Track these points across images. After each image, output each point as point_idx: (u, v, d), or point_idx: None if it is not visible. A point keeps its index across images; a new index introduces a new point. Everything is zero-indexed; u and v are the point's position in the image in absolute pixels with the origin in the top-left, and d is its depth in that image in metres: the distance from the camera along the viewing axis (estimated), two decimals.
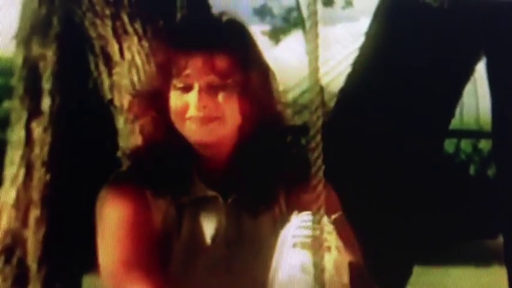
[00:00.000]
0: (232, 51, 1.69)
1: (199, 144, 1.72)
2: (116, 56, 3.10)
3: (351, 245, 1.64)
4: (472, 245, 10.23)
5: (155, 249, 1.69)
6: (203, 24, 1.80)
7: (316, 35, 1.14)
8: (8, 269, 3.50)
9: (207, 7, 3.09)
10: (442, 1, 3.21)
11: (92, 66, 3.20)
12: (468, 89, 3.78)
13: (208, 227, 1.72)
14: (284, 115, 1.80)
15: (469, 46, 3.42)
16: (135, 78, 3.04)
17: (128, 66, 3.06)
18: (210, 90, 1.67)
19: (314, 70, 1.15)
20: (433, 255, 7.05)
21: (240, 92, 1.69)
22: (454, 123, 4.19)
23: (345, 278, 1.50)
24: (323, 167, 1.18)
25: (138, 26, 3.09)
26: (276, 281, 1.50)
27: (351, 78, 3.58)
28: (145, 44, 3.05)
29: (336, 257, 1.48)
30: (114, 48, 3.11)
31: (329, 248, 1.47)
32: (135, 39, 3.07)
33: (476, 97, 12.00)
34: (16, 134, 3.57)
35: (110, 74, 3.12)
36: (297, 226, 1.52)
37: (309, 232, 1.45)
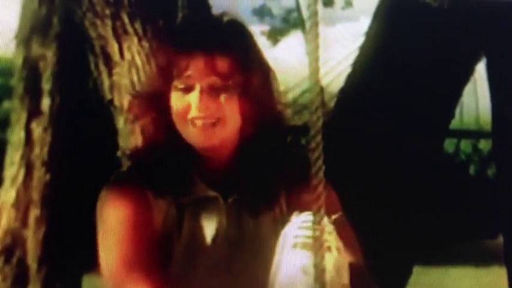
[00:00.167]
0: (233, 52, 1.69)
1: (201, 148, 1.72)
2: (116, 56, 3.10)
3: (351, 246, 1.64)
4: (472, 245, 10.24)
5: (156, 250, 1.69)
6: (204, 25, 1.79)
7: (317, 35, 1.14)
8: (8, 269, 3.50)
9: (207, 7, 3.09)
10: (442, 1, 3.21)
11: (92, 66, 3.20)
12: (468, 89, 3.79)
13: (209, 227, 1.72)
14: (284, 115, 1.80)
15: (469, 46, 3.42)
16: (135, 79, 3.03)
17: (128, 66, 3.06)
18: (212, 91, 1.67)
19: (314, 70, 1.15)
20: (433, 255, 7.06)
21: (241, 93, 1.69)
22: (454, 123, 4.19)
23: (345, 278, 1.50)
24: (323, 167, 1.18)
25: (138, 26, 3.09)
26: (276, 281, 1.50)
27: (350, 78, 3.58)
28: (145, 44, 3.05)
29: (337, 257, 1.48)
30: (114, 48, 3.10)
31: (329, 248, 1.47)
32: (135, 39, 3.07)
33: (476, 97, 12.01)
34: (16, 134, 3.57)
35: (110, 74, 3.12)
36: (298, 226, 1.51)
37: (309, 232, 1.45)
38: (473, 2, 3.24)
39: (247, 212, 1.74)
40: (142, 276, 1.65)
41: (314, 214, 1.24)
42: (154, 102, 1.74)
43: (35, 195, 3.51)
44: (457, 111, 3.95)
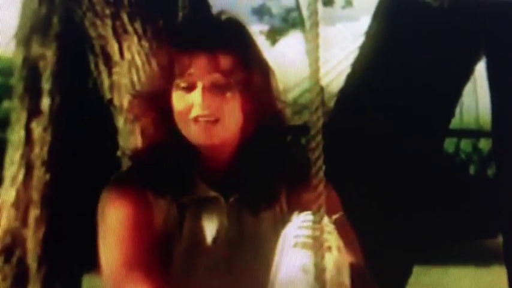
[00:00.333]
0: (234, 49, 1.69)
1: (203, 146, 1.71)
2: (116, 55, 3.10)
3: (351, 246, 1.64)
4: (472, 245, 10.23)
5: (156, 250, 1.69)
6: (205, 24, 1.79)
7: (317, 35, 1.14)
8: (8, 268, 3.51)
9: (208, 7, 3.09)
10: (442, 1, 3.21)
11: (92, 66, 3.20)
12: (468, 89, 3.79)
13: (210, 227, 1.72)
14: (284, 114, 1.80)
15: (469, 46, 3.42)
16: (135, 78, 3.03)
17: (128, 66, 3.06)
18: (214, 89, 1.67)
19: (315, 70, 1.15)
20: (433, 255, 7.05)
21: (242, 90, 1.69)
22: (454, 123, 4.19)
23: (346, 278, 1.50)
24: (323, 167, 1.18)
25: (138, 25, 3.09)
26: (276, 281, 1.50)
27: (350, 78, 3.58)
28: (145, 43, 3.05)
29: (337, 257, 1.48)
30: (114, 48, 3.10)
31: (330, 248, 1.47)
32: (135, 39, 3.07)
33: (476, 97, 12.01)
34: (16, 134, 3.57)
35: (110, 74, 3.12)
36: (298, 226, 1.51)
37: (309, 232, 1.45)
38: (473, 2, 3.24)
39: (248, 212, 1.74)
40: (143, 276, 1.64)
41: (314, 214, 1.24)
42: (154, 102, 1.74)
43: (35, 195, 3.51)
44: (457, 110, 3.94)
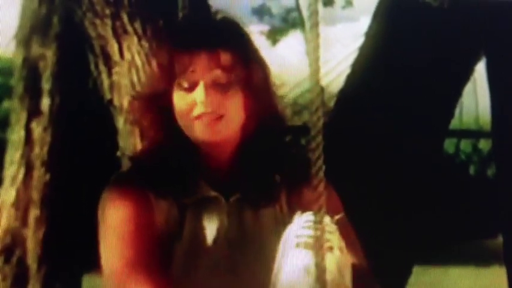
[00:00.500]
0: (234, 47, 1.70)
1: (206, 144, 1.71)
2: (116, 55, 3.10)
3: (353, 246, 1.64)
4: (472, 245, 10.24)
5: (157, 250, 1.68)
6: (203, 23, 1.80)
7: (317, 35, 1.14)
8: (8, 269, 3.51)
9: (207, 7, 3.09)
10: (442, 1, 3.21)
11: (92, 66, 3.20)
12: (468, 89, 3.79)
13: (210, 227, 1.72)
14: (284, 114, 1.81)
15: (469, 46, 3.42)
16: (135, 78, 3.03)
17: (128, 66, 3.06)
18: (216, 86, 1.67)
19: (315, 71, 1.15)
20: (433, 255, 7.06)
21: (244, 87, 1.70)
22: (454, 123, 4.20)
23: (348, 278, 1.50)
24: (324, 168, 1.18)
25: (138, 25, 3.09)
26: (278, 281, 1.50)
27: (350, 78, 3.59)
28: (145, 44, 3.05)
29: (339, 257, 1.48)
30: (113, 48, 3.11)
31: (331, 248, 1.47)
32: (135, 39, 3.07)
33: (476, 97, 12.01)
34: (16, 134, 3.57)
35: (110, 74, 3.12)
36: (300, 226, 1.51)
37: (311, 232, 1.45)
38: (473, 2, 3.24)
39: (248, 212, 1.74)
40: (144, 277, 1.64)
41: (315, 214, 1.24)
42: (155, 102, 1.74)
43: (35, 195, 3.51)
44: (457, 111, 3.95)
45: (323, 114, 1.18)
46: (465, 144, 12.58)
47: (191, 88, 1.69)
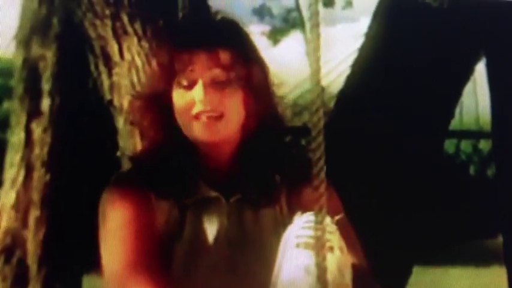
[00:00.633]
0: (234, 46, 1.70)
1: (205, 144, 1.72)
2: (116, 56, 3.10)
3: (353, 247, 1.64)
4: (472, 245, 10.25)
5: (158, 251, 1.68)
6: (203, 23, 1.81)
7: (318, 36, 1.14)
8: (8, 269, 3.50)
9: (207, 7, 3.09)
10: (442, 1, 3.21)
11: (92, 66, 3.20)
12: (468, 89, 3.79)
13: (211, 227, 1.72)
14: (284, 114, 1.81)
15: (469, 46, 3.42)
16: (135, 79, 3.03)
17: (128, 66, 3.06)
18: (215, 84, 1.68)
19: (315, 71, 1.15)
20: (433, 255, 7.06)
21: (244, 86, 1.70)
22: (454, 123, 4.20)
23: (348, 278, 1.50)
24: (325, 168, 1.18)
25: (138, 26, 3.09)
26: (279, 281, 1.50)
27: (350, 78, 3.59)
28: (145, 44, 3.05)
29: (339, 257, 1.48)
30: (114, 48, 3.11)
31: (332, 248, 1.47)
32: (135, 39, 3.07)
33: (476, 97, 12.01)
34: (16, 135, 3.57)
35: (110, 75, 3.12)
36: (300, 226, 1.51)
37: (312, 232, 1.45)
38: (473, 2, 3.24)
39: (249, 212, 1.74)
40: (145, 278, 1.64)
41: (316, 214, 1.24)
42: (155, 102, 1.74)
43: (35, 196, 3.51)
44: (457, 111, 3.95)
45: (323, 115, 1.18)
46: (465, 145, 12.60)
47: (190, 86, 1.69)
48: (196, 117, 1.68)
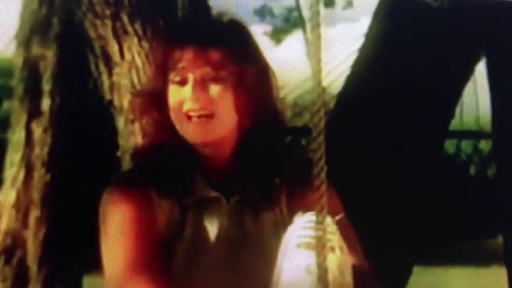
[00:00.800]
0: (226, 44, 1.70)
1: (200, 145, 1.72)
2: (116, 56, 3.10)
3: (354, 247, 1.64)
4: (472, 245, 10.25)
5: (159, 251, 1.68)
6: (198, 21, 1.82)
7: (319, 36, 1.14)
8: (8, 270, 3.50)
9: (207, 7, 3.09)
10: (442, 1, 3.21)
11: (92, 66, 3.21)
12: (468, 89, 3.79)
13: (211, 227, 1.72)
14: (284, 114, 1.80)
15: (469, 46, 3.42)
16: (135, 79, 3.04)
17: (128, 66, 3.06)
18: (205, 82, 1.68)
19: (316, 72, 1.15)
20: (433, 255, 7.06)
21: (235, 85, 1.69)
22: (454, 123, 4.20)
23: (349, 278, 1.50)
24: (325, 168, 1.18)
25: (138, 26, 3.09)
26: (280, 281, 1.50)
27: (350, 78, 3.59)
28: (145, 44, 3.05)
29: (340, 257, 1.48)
30: (114, 48, 3.11)
31: (332, 248, 1.47)
32: (135, 39, 3.07)
33: (476, 97, 12.01)
34: (16, 135, 3.57)
35: (110, 75, 3.12)
36: (301, 226, 1.52)
37: (313, 232, 1.45)
38: (473, 2, 3.24)
39: (249, 212, 1.74)
40: (146, 278, 1.64)
41: (316, 214, 1.24)
42: (154, 100, 1.74)
43: (35, 196, 3.51)
44: (457, 111, 3.95)
45: (324, 115, 1.18)
46: (466, 145, 12.60)
47: (182, 83, 1.69)
48: (188, 118, 1.68)
